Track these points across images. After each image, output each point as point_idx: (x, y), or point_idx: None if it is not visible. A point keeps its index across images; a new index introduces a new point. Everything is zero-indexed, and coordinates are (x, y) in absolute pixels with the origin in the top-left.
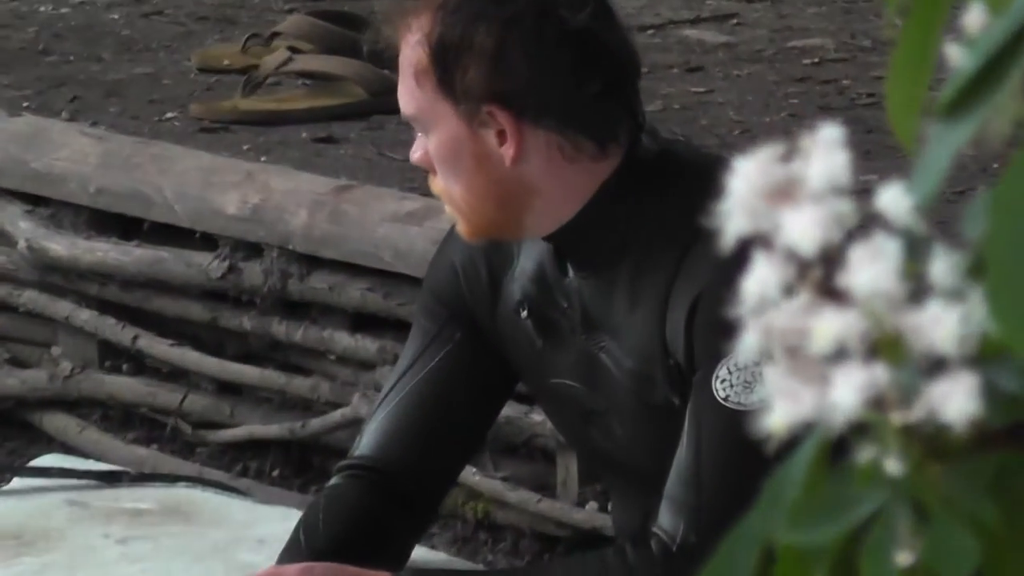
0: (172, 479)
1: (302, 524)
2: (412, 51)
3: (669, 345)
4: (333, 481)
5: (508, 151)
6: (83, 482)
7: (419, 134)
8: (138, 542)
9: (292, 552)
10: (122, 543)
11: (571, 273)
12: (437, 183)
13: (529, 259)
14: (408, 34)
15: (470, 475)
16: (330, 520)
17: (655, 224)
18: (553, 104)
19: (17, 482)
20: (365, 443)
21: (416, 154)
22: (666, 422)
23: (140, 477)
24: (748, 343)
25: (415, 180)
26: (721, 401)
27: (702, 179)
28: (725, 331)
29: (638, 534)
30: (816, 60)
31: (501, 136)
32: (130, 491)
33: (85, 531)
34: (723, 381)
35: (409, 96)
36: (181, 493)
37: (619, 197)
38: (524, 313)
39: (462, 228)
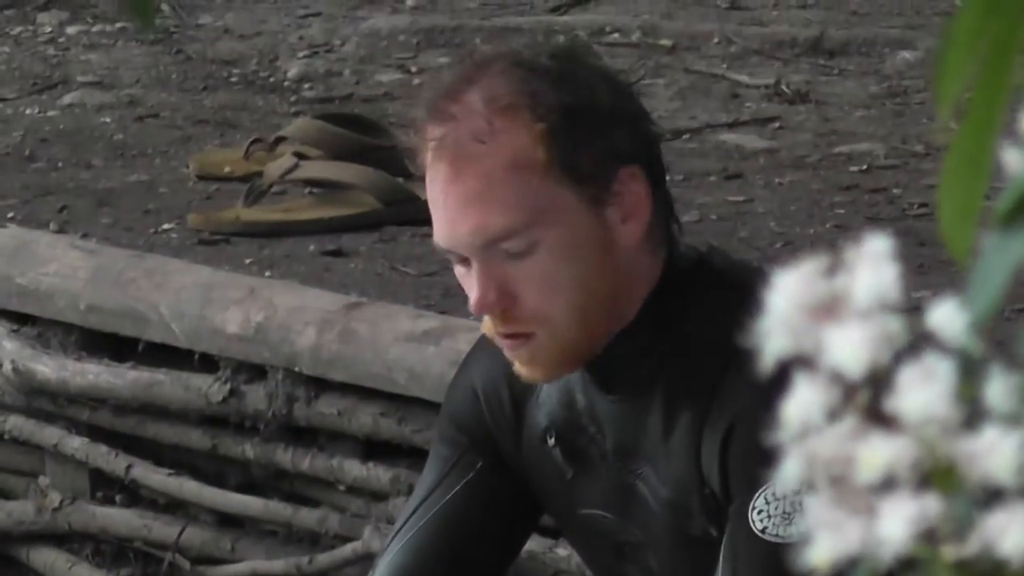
0: None
1: None
2: (508, 146)
3: (705, 473)
4: None
5: (633, 228)
6: None
7: (479, 268)
8: None
9: None
10: None
11: (603, 397)
12: (513, 318)
13: (556, 384)
14: (472, 138)
15: None
16: None
17: (691, 341)
18: (659, 171)
19: None
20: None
21: (491, 295)
22: (704, 555)
23: None
24: (789, 472)
25: (430, 297)
26: (758, 533)
27: (739, 292)
28: (763, 458)
29: None
30: (864, 167)
31: (622, 210)
32: None
33: None
34: (760, 512)
35: (508, 200)
36: None
37: (660, 309)
38: (551, 441)
39: (540, 369)
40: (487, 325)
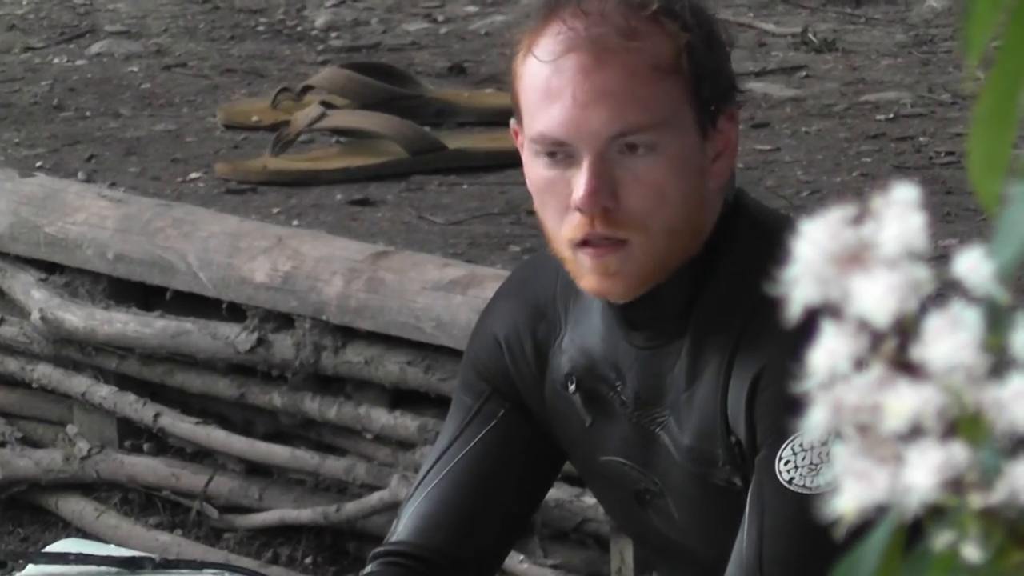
0: (199, 566)
1: None
2: (651, 49)
3: (731, 422)
4: (367, 570)
5: (721, 168)
6: (102, 569)
7: (594, 162)
8: None
9: None
10: None
11: (627, 343)
12: (613, 220)
13: (578, 329)
14: (618, 34)
15: (517, 563)
16: None
17: (721, 288)
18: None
19: (32, 569)
20: (402, 528)
21: (603, 189)
22: (727, 505)
23: (164, 564)
24: (816, 421)
25: (457, 246)
26: (785, 484)
27: (769, 240)
28: (790, 408)
29: None
30: (891, 116)
31: (715, 149)
32: None
33: None
34: (787, 463)
35: (647, 97)
36: None
37: (710, 254)
38: (572, 387)
39: (624, 282)
40: (570, 233)
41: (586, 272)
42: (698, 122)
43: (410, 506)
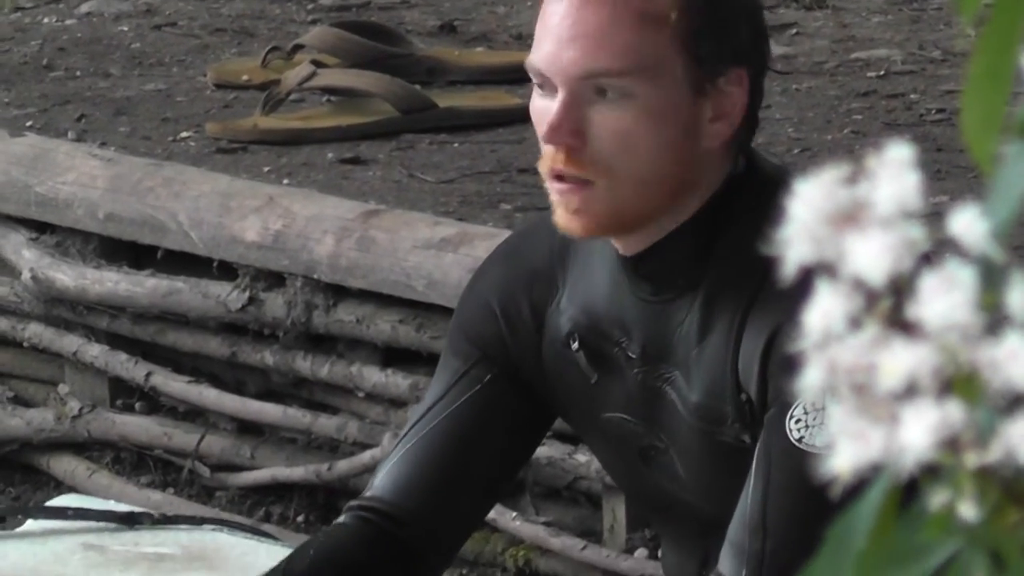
0: (198, 521)
1: (287, 563)
2: None
3: (742, 379)
4: (339, 520)
5: (720, 129)
6: (101, 524)
7: (565, 98)
8: None
9: None
10: None
11: (638, 299)
12: (577, 160)
13: (578, 288)
14: None
15: (510, 520)
16: (319, 564)
17: (737, 247)
18: (760, 86)
19: (31, 524)
20: (378, 484)
21: (566, 126)
22: (734, 462)
23: (163, 519)
24: (811, 381)
25: (449, 204)
26: (794, 443)
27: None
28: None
29: None
30: (882, 73)
31: (715, 109)
32: (152, 534)
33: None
34: (798, 421)
35: (624, 44)
36: (206, 537)
37: (716, 213)
38: (575, 345)
39: (583, 221)
40: (544, 165)
41: (556, 206)
42: (691, 78)
43: (388, 462)
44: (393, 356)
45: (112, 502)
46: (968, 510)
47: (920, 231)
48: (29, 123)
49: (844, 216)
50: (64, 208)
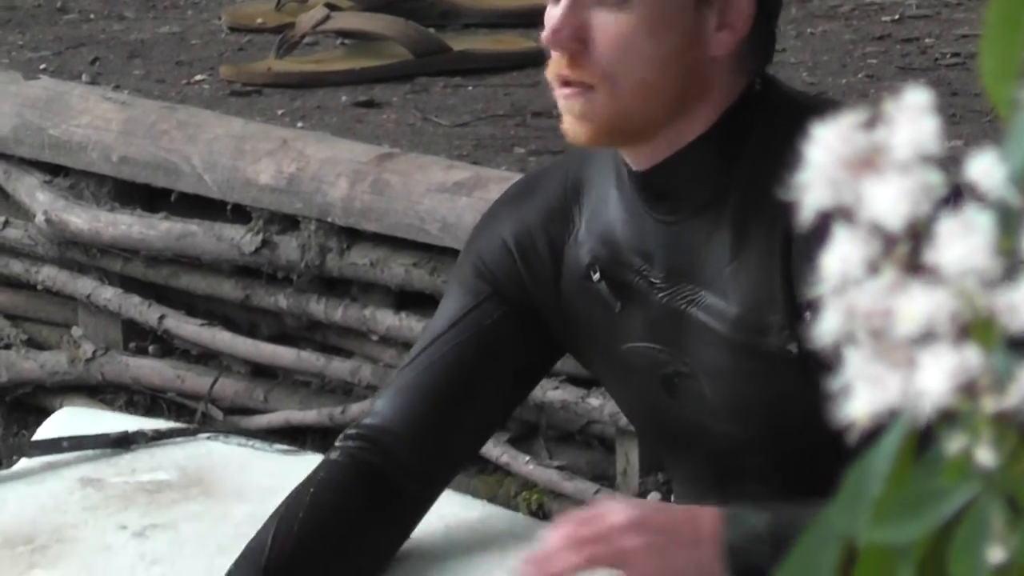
0: (192, 432)
1: (285, 510)
2: None
3: (795, 283)
4: (334, 456)
5: (726, 38)
6: (96, 452)
7: (564, 2)
8: (156, 534)
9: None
10: (139, 536)
11: (657, 221)
12: (579, 65)
13: (596, 220)
14: None
15: (523, 464)
16: (317, 515)
17: (759, 159)
18: (775, 2)
19: (26, 462)
20: (379, 410)
21: (566, 30)
22: (774, 374)
23: (157, 436)
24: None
25: (463, 147)
26: None
27: (808, 111)
28: None
29: None
30: (896, 17)
31: (720, 18)
32: (148, 455)
33: (101, 524)
34: None
35: None
36: (201, 451)
37: (734, 127)
38: (596, 276)
39: (587, 126)
40: (551, 71)
41: (563, 112)
42: None
43: (390, 389)
44: (406, 299)
45: (108, 414)
46: (985, 455)
47: (938, 176)
48: (43, 66)
49: (862, 161)
50: (78, 151)
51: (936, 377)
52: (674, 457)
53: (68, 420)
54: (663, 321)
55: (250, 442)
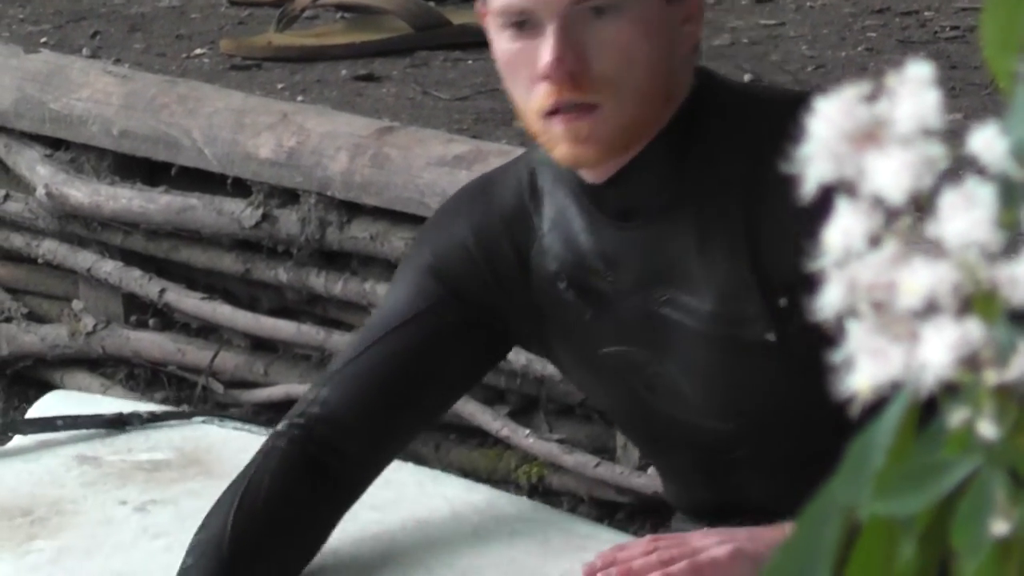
0: (187, 415)
1: (233, 498)
2: None
3: (769, 272)
4: (281, 444)
5: (690, 31)
6: (92, 431)
7: (560, 27)
8: (157, 509)
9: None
10: (141, 511)
11: (615, 230)
12: (582, 85)
13: (558, 228)
14: None
15: (523, 437)
16: (265, 504)
17: (710, 155)
18: None
19: (20, 439)
20: (326, 399)
21: (569, 54)
22: (754, 365)
23: (152, 418)
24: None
25: (463, 121)
26: None
27: (753, 102)
28: None
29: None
30: None
31: (683, 11)
32: (143, 436)
33: (100, 499)
34: None
35: None
36: (198, 433)
37: (684, 125)
38: (563, 285)
39: (594, 147)
40: (538, 105)
41: (559, 141)
42: None
43: (337, 376)
44: None
45: (100, 397)
46: (987, 428)
47: (940, 149)
48: (44, 39)
49: (864, 134)
50: (78, 124)
51: (938, 350)
52: (660, 455)
53: (58, 402)
54: (637, 325)
55: (246, 426)
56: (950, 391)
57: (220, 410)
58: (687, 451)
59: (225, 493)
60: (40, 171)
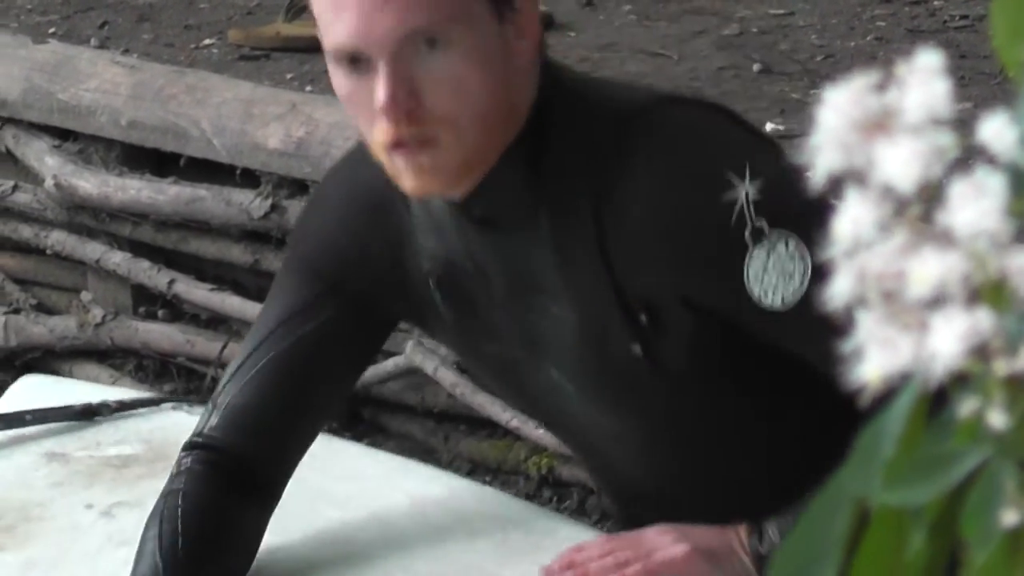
0: (156, 402)
1: (159, 535)
2: None
3: (625, 283)
4: (187, 465)
5: (527, 46)
6: (62, 425)
7: (390, 65)
8: (123, 513)
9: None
10: (107, 516)
11: (481, 236)
12: (419, 119)
13: (428, 229)
14: None
15: (533, 428)
16: (188, 528)
17: (560, 161)
18: None
19: None
20: (219, 420)
21: (401, 92)
22: (625, 375)
23: (121, 407)
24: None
25: None
26: (780, 307)
27: (597, 97)
28: (718, 236)
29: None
30: None
31: (516, 28)
32: (112, 428)
33: (68, 502)
34: (762, 293)
35: (428, 0)
36: (168, 422)
37: (535, 133)
38: (433, 285)
39: (436, 178)
40: (381, 140)
41: (402, 172)
42: (492, 8)
43: (225, 396)
44: None
45: (70, 382)
46: (997, 418)
47: (950, 138)
48: (52, 30)
49: (873, 123)
50: (87, 115)
51: (948, 340)
52: (561, 439)
53: (30, 389)
54: (510, 330)
55: None
56: (960, 381)
57: (193, 395)
58: (579, 437)
59: (147, 529)
60: (48, 162)
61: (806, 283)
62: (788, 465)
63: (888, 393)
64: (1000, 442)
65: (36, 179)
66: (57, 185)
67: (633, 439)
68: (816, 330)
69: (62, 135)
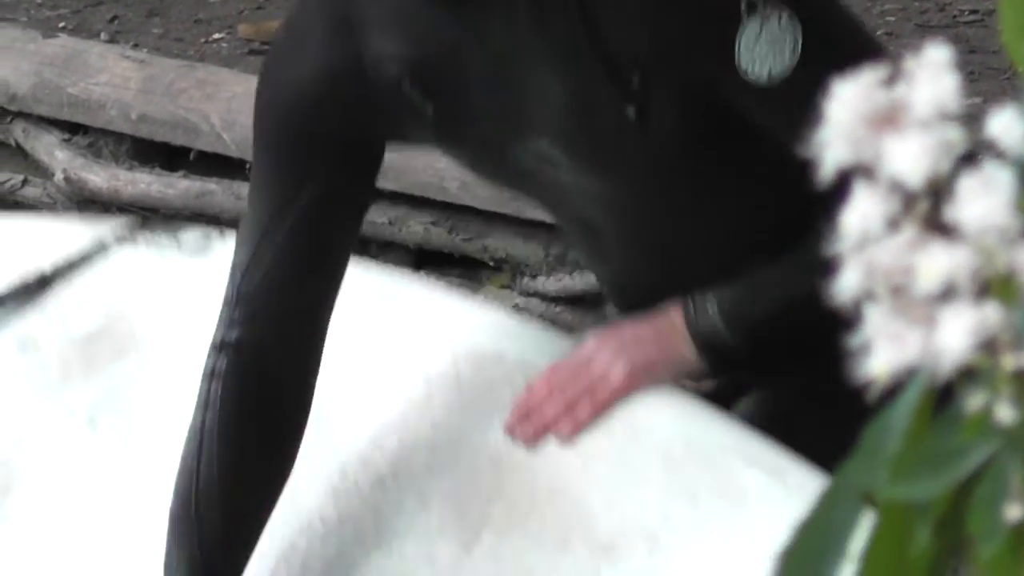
0: (104, 248)
1: (199, 485)
2: None
3: (616, 49)
4: (217, 390)
5: None
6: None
7: None
8: (104, 417)
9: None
10: (91, 424)
11: (454, 16)
12: None
13: (390, 34)
14: None
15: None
16: (227, 456)
17: None
18: None
19: None
20: (240, 316)
21: None
22: (617, 142)
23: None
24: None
25: None
26: (767, 80)
27: None
28: (705, 12)
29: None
30: None
31: None
32: (74, 296)
33: (49, 408)
34: (750, 65)
35: None
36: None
37: None
38: (407, 87)
39: None
40: None
41: None
42: None
43: (245, 293)
44: (425, 257)
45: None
46: (1004, 413)
47: (959, 133)
48: (62, 24)
49: (882, 117)
50: (97, 109)
51: (956, 334)
52: (567, 232)
53: None
54: (494, 107)
55: (155, 234)
56: (968, 376)
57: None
58: (571, 210)
59: (183, 461)
60: (58, 156)
61: (795, 60)
62: (755, 242)
63: (896, 387)
64: (1008, 437)
65: (46, 173)
66: (67, 179)
67: (620, 205)
68: (794, 110)
69: (72, 129)
